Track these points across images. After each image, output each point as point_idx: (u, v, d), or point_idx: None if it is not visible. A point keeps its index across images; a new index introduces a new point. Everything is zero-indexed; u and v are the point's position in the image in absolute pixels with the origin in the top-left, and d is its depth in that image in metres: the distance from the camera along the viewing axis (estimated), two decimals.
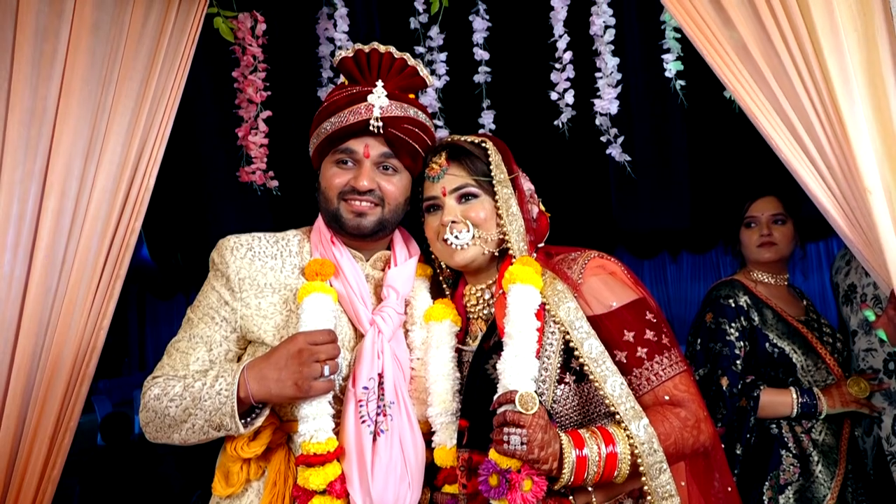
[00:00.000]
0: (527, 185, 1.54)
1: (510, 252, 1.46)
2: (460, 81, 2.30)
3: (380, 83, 1.48)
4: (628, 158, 2.12)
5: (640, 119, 3.92)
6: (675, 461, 1.30)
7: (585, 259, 1.44)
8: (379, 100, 1.46)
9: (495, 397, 1.29)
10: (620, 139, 2.11)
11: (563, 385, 1.36)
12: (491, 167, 1.49)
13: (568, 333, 1.34)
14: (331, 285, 1.44)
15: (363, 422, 1.35)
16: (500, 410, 1.26)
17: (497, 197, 1.47)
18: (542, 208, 1.60)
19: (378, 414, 1.37)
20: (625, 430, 1.27)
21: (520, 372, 1.29)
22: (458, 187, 1.50)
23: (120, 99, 1.89)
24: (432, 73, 2.29)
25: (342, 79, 1.56)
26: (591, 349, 1.32)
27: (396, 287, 1.50)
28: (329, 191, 1.46)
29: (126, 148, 1.89)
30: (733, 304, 2.22)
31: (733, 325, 2.19)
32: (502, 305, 1.39)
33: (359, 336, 1.46)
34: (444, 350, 1.50)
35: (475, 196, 1.49)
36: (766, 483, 2.09)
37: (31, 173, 1.81)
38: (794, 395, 2.10)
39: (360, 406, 1.36)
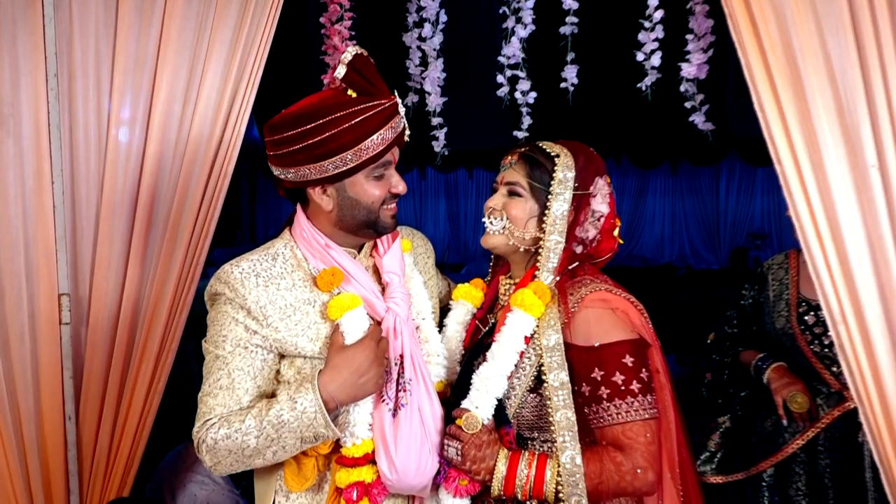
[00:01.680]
0: (600, 207, 1.56)
1: (537, 263, 1.53)
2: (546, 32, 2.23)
3: (396, 92, 1.50)
4: (712, 127, 2.04)
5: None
6: (598, 500, 1.40)
7: (589, 290, 1.48)
8: (402, 109, 1.50)
9: (453, 412, 1.48)
10: (706, 107, 2.03)
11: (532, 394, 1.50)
12: (553, 181, 1.52)
13: (542, 357, 1.45)
14: (342, 290, 1.50)
15: (383, 402, 1.46)
16: (449, 425, 1.47)
17: (548, 207, 1.51)
18: (616, 234, 1.62)
19: (398, 391, 1.47)
20: (557, 458, 1.40)
21: (487, 390, 1.45)
22: (510, 182, 1.58)
23: (214, 45, 1.98)
24: (518, 20, 2.23)
25: (333, 81, 1.48)
26: (556, 380, 1.43)
27: (395, 271, 1.56)
28: (372, 203, 1.48)
29: (220, 94, 2.00)
30: (759, 271, 2.36)
31: (751, 291, 2.37)
32: (503, 318, 1.52)
33: (377, 323, 1.53)
34: (454, 326, 1.67)
35: (519, 195, 1.56)
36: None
37: (135, 118, 1.98)
38: (757, 356, 2.26)
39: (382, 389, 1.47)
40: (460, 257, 11.25)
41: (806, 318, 2.17)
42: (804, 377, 2.15)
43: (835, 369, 2.09)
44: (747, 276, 2.47)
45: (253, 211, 12.37)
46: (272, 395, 1.45)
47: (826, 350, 2.11)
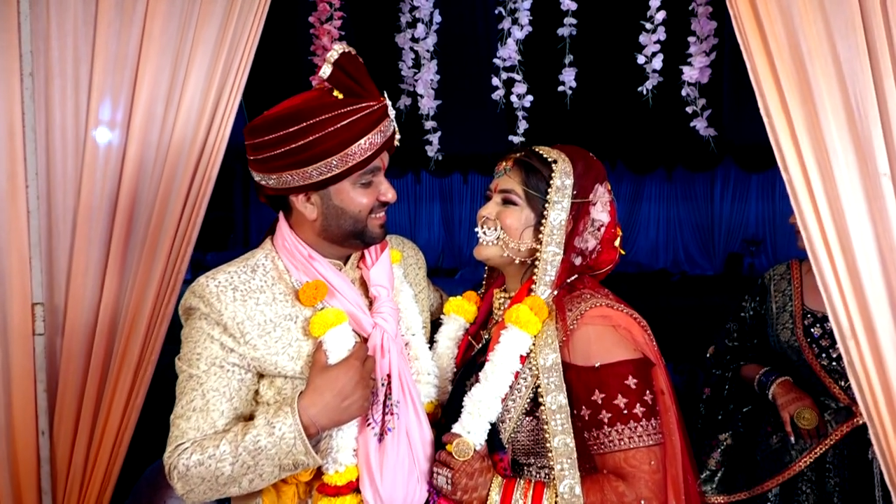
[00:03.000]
0: (600, 216, 1.48)
1: (533, 276, 1.45)
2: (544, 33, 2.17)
3: (385, 93, 1.42)
4: (714, 133, 1.97)
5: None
6: None
7: (589, 306, 1.40)
8: (392, 111, 1.41)
9: (443, 437, 1.39)
10: (707, 112, 1.96)
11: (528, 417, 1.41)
12: (550, 188, 1.44)
13: (539, 378, 1.37)
14: (326, 305, 1.42)
15: (368, 425, 1.38)
16: (439, 451, 1.38)
17: (545, 217, 1.43)
18: (617, 244, 1.53)
19: (385, 414, 1.39)
20: (554, 487, 1.32)
21: (479, 413, 1.36)
22: (504, 190, 1.50)
23: (198, 45, 1.91)
24: (514, 21, 2.16)
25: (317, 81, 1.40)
26: (553, 402, 1.35)
27: (384, 284, 1.48)
28: (359, 212, 1.40)
29: (204, 95, 1.92)
30: (759, 283, 2.29)
31: (752, 302, 2.30)
32: (497, 335, 1.43)
33: (363, 340, 1.45)
34: (445, 342, 1.60)
35: (514, 204, 1.48)
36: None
37: (114, 120, 1.89)
38: (761, 370, 2.18)
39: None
40: (455, 262, 11.21)
41: (812, 330, 2.11)
42: (811, 392, 2.08)
43: (843, 383, 2.03)
44: (742, 282, 2.43)
45: (247, 214, 12.29)
46: (250, 418, 1.36)
47: (834, 364, 2.04)
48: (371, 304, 1.47)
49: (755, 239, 10.65)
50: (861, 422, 1.96)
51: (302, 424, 1.27)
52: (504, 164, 1.52)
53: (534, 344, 1.40)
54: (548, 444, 1.34)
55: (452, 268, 10.55)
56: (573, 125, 3.59)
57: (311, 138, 1.31)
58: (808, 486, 2.05)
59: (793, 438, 2.05)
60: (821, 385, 2.07)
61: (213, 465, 1.27)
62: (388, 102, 1.41)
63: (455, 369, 1.56)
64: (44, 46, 1.84)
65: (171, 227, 1.90)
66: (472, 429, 1.36)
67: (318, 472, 1.37)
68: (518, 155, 1.51)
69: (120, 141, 1.90)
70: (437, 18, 2.25)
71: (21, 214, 1.83)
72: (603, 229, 1.49)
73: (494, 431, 1.38)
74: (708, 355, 2.38)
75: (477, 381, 1.41)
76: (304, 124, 1.31)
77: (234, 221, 12.11)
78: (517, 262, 1.49)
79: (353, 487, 1.35)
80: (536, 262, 1.45)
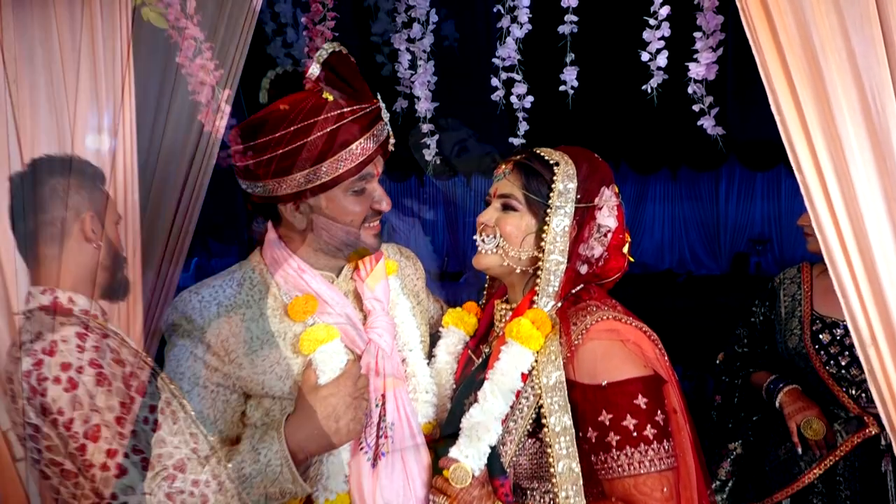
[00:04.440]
0: (606, 221, 1.40)
1: (536, 286, 1.37)
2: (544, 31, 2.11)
3: (378, 95, 1.35)
4: (722, 132, 1.90)
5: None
6: None
7: (595, 319, 1.31)
8: (385, 115, 1.34)
9: (440, 461, 1.32)
10: (715, 110, 1.88)
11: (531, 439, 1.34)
12: (552, 193, 1.36)
13: (541, 398, 1.29)
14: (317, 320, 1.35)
15: (361, 449, 1.31)
16: (435, 477, 1.31)
17: (547, 223, 1.36)
18: (626, 251, 1.45)
19: (379, 437, 1.32)
20: None
21: (478, 436, 1.29)
22: (503, 195, 1.43)
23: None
24: (514, 20, 2.10)
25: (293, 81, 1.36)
26: (557, 424, 1.27)
27: (379, 297, 1.41)
28: (351, 221, 1.33)
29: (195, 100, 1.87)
30: (769, 286, 2.23)
31: (762, 307, 2.23)
32: (497, 351, 1.36)
33: (357, 357, 1.39)
34: (444, 357, 1.53)
35: (514, 209, 1.41)
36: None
37: (102, 127, 1.84)
38: (769, 378, 2.12)
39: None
40: (460, 266, 11.14)
41: (821, 336, 2.03)
42: (820, 400, 2.01)
43: (853, 392, 1.95)
44: (749, 281, 2.38)
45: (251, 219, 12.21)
46: (237, 440, 1.29)
47: (843, 371, 1.97)
48: (365, 318, 1.40)
49: (761, 238, 10.58)
50: (872, 432, 1.89)
51: (289, 450, 1.21)
52: (504, 167, 1.45)
53: (536, 360, 1.32)
54: (551, 469, 1.26)
55: (457, 271, 10.50)
56: (575, 126, 3.52)
57: (298, 143, 1.24)
58: (819, 498, 1.98)
59: (800, 449, 1.97)
60: (829, 394, 2.00)
61: (195, 493, 1.20)
62: (382, 105, 1.34)
63: (455, 386, 1.49)
64: (28, 53, 1.79)
65: (162, 236, 1.85)
66: (470, 453, 1.28)
67: (308, 500, 1.30)
68: (518, 157, 1.44)
69: (108, 149, 1.84)
70: (434, 18, 2.19)
71: (5, 225, 1.77)
72: (610, 235, 1.41)
73: (495, 455, 1.30)
74: (718, 361, 2.31)
75: (476, 400, 1.33)
76: (291, 128, 1.24)
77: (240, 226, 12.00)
78: (518, 271, 1.42)
79: None
80: (539, 272, 1.37)
